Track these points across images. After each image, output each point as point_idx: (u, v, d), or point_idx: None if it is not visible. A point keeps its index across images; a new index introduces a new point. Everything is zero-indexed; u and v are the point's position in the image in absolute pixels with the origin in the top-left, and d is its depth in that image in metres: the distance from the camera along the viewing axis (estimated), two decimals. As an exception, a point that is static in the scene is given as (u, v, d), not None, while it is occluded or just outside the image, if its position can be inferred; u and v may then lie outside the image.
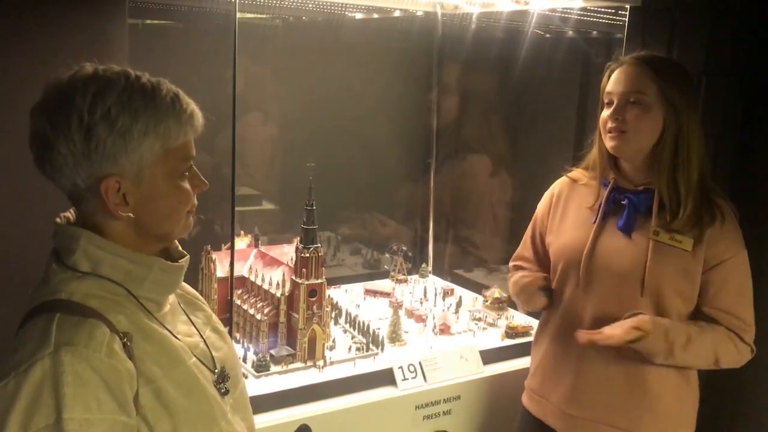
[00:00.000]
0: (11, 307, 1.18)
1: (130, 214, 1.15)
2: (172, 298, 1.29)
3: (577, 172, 2.04)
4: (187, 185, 1.20)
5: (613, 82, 1.84)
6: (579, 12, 2.70)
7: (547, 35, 2.96)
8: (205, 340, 1.30)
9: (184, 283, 1.36)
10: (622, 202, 1.87)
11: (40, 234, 1.25)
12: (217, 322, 1.40)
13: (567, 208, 2.01)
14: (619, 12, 2.46)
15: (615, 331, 1.76)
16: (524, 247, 2.18)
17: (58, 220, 1.19)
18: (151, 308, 1.19)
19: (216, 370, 1.28)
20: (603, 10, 2.62)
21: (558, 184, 2.08)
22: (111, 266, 1.15)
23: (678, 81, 1.79)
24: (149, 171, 1.14)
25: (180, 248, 1.30)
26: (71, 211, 1.21)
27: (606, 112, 1.84)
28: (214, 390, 1.24)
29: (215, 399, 1.23)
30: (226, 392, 1.28)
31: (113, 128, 1.09)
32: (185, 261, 1.26)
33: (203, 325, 1.35)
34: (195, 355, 1.24)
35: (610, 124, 1.82)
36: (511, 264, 2.23)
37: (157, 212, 1.18)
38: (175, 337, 1.21)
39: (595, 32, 2.89)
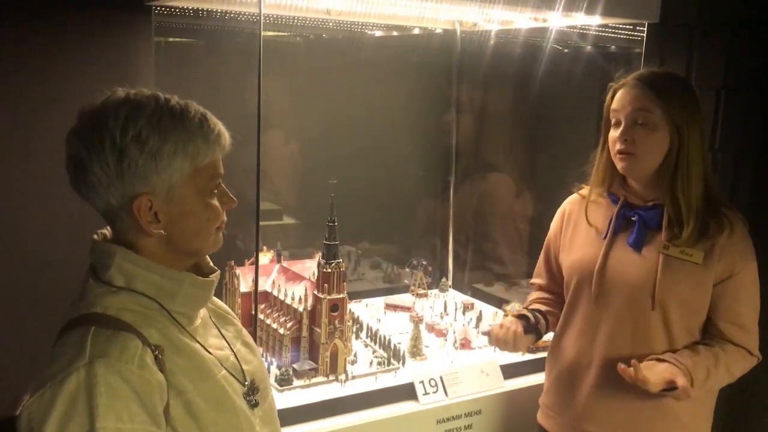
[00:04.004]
0: (51, 320, 1.21)
1: (162, 231, 1.18)
2: (203, 312, 1.32)
3: (585, 190, 2.06)
4: (216, 202, 1.24)
5: (618, 102, 1.85)
6: (597, 28, 2.72)
7: (566, 51, 2.98)
8: (235, 354, 1.33)
9: (215, 298, 1.39)
10: (632, 219, 1.88)
11: (78, 250, 1.29)
12: (246, 336, 1.43)
13: (578, 226, 2.03)
14: (638, 28, 2.48)
15: (651, 378, 1.70)
16: (538, 272, 2.19)
17: (95, 237, 1.23)
18: (182, 322, 1.22)
19: (246, 383, 1.30)
20: (621, 26, 2.64)
21: (568, 203, 2.11)
22: (144, 281, 1.18)
23: (680, 99, 1.81)
24: (179, 189, 1.17)
25: (211, 264, 1.34)
26: (107, 228, 1.25)
27: (614, 133, 1.86)
28: (243, 402, 1.27)
29: (243, 412, 1.25)
30: (256, 404, 1.31)
31: (144, 149, 1.13)
32: (216, 276, 1.30)
33: (234, 338, 1.38)
34: (225, 368, 1.26)
35: (619, 146, 1.83)
36: (530, 282, 2.25)
37: (187, 229, 1.21)
38: (206, 350, 1.24)
39: (613, 47, 2.90)
